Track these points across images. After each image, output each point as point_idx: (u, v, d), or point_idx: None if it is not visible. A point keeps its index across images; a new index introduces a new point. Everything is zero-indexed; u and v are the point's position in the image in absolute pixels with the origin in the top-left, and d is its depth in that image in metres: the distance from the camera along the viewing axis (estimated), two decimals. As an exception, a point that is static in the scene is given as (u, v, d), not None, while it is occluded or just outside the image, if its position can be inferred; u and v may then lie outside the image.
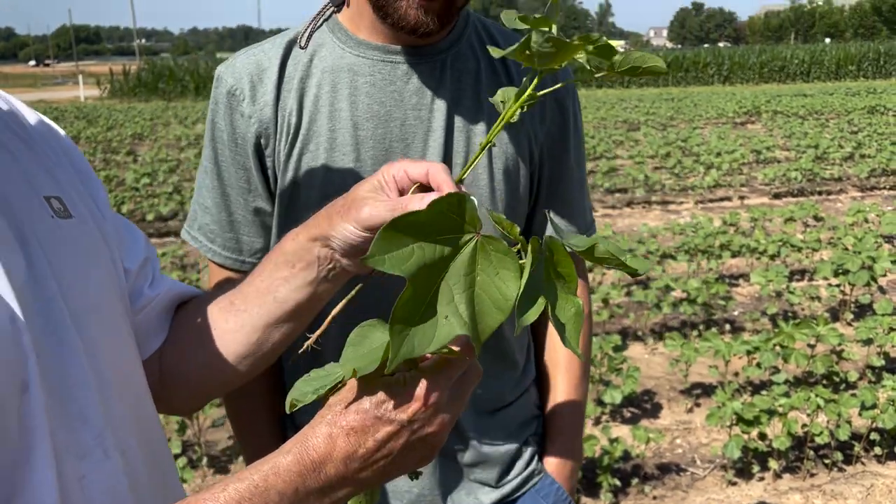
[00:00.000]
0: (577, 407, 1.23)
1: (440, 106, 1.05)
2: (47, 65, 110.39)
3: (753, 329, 4.46)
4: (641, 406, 3.70)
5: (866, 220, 6.19)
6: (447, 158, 1.06)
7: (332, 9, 1.09)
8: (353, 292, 0.71)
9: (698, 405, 3.68)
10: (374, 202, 0.70)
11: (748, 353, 3.41)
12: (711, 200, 8.27)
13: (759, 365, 3.40)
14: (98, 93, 33.71)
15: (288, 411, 0.68)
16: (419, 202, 0.67)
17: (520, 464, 1.19)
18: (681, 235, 5.87)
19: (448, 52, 1.07)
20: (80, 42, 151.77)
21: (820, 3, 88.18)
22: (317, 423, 0.64)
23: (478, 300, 0.58)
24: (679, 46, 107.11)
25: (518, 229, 0.61)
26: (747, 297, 5.13)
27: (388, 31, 1.04)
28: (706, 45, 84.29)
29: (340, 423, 0.63)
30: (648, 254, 5.37)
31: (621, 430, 3.36)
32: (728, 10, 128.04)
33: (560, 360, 1.23)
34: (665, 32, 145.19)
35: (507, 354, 1.17)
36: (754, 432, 2.98)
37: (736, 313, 4.78)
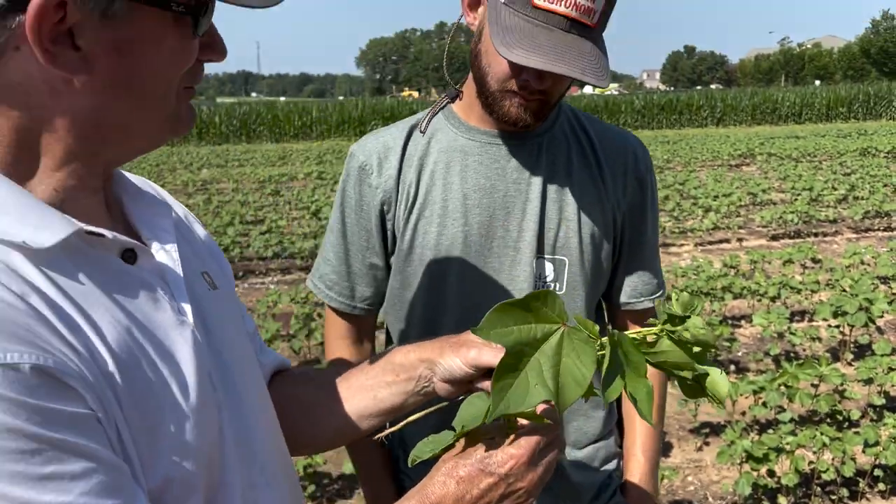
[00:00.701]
0: (653, 447, 1.38)
1: (536, 181, 1.26)
2: None
3: (757, 369, 4.61)
4: (653, 445, 3.82)
5: (862, 262, 6.39)
6: (542, 223, 1.26)
7: (447, 100, 1.32)
8: (434, 407, 0.91)
9: (707, 444, 3.81)
10: (482, 347, 0.87)
11: (754, 392, 3.56)
12: (710, 242, 8.47)
13: (765, 404, 3.55)
14: None
15: (410, 465, 0.86)
16: None
17: (605, 495, 1.37)
18: (683, 278, 6.05)
19: (544, 136, 1.28)
20: None
21: (809, 46, 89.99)
22: (433, 474, 0.81)
23: (562, 377, 0.74)
24: (672, 88, 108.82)
25: (597, 328, 0.78)
26: (750, 338, 5.29)
27: (494, 120, 1.25)
28: (699, 88, 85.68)
29: (452, 473, 0.80)
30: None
31: (635, 469, 3.49)
32: (719, 54, 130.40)
33: None
34: (658, 75, 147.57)
35: (596, 400, 1.34)
36: (763, 469, 3.11)
37: (740, 354, 4.93)
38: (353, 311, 1.36)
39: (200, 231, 0.93)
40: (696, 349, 0.80)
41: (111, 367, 0.62)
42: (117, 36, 0.62)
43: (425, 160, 1.27)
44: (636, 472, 1.37)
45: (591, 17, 1.09)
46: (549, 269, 1.27)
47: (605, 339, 0.78)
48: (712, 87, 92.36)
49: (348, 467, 3.30)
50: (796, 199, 10.09)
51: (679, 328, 0.79)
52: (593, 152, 1.30)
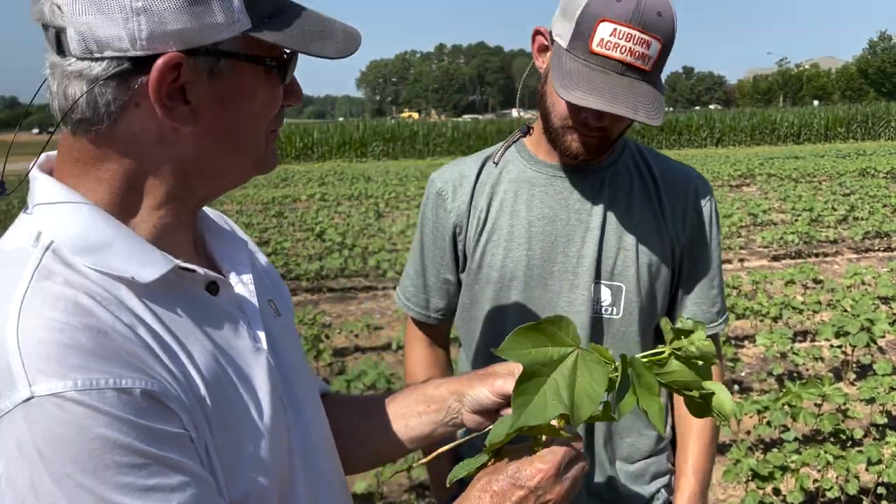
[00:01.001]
0: (704, 468, 1.43)
1: (598, 212, 1.35)
2: (50, 132, 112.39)
3: (761, 389, 4.66)
4: (659, 464, 3.87)
5: (863, 282, 6.46)
6: (600, 251, 1.34)
7: (520, 135, 1.43)
8: (465, 438, 1.00)
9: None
10: (507, 378, 0.96)
11: (758, 412, 3.61)
12: (712, 263, 8.53)
13: (769, 423, 3.60)
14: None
15: (447, 485, 0.94)
16: None
17: None
18: (686, 299, 6.10)
19: (607, 170, 1.38)
20: None
21: (806, 66, 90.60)
22: (470, 489, 0.88)
23: (576, 394, 0.82)
24: (671, 109, 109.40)
25: (609, 352, 0.85)
26: (753, 358, 5.34)
27: (558, 154, 1.35)
28: (697, 108, 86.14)
29: (486, 488, 0.87)
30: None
31: (642, 488, 3.53)
32: (717, 74, 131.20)
33: (693, 427, 1.43)
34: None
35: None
36: (769, 488, 3.16)
37: (743, 374, 4.98)
38: (427, 321, 1.51)
39: (262, 259, 1.01)
40: (701, 364, 0.88)
41: (202, 391, 0.70)
42: (221, 90, 0.72)
43: (496, 189, 1.39)
44: (685, 490, 1.41)
45: (646, 63, 1.18)
46: (606, 294, 1.35)
47: (618, 362, 0.85)
48: (711, 107, 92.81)
49: (359, 487, 3.35)
50: (797, 220, 10.17)
51: (684, 342, 0.86)
52: (655, 187, 1.38)
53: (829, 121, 36.08)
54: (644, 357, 0.88)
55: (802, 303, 5.69)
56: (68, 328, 0.62)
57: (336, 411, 1.07)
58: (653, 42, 1.17)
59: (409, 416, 1.04)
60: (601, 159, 1.36)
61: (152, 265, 0.71)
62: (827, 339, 4.84)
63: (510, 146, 1.43)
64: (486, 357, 1.39)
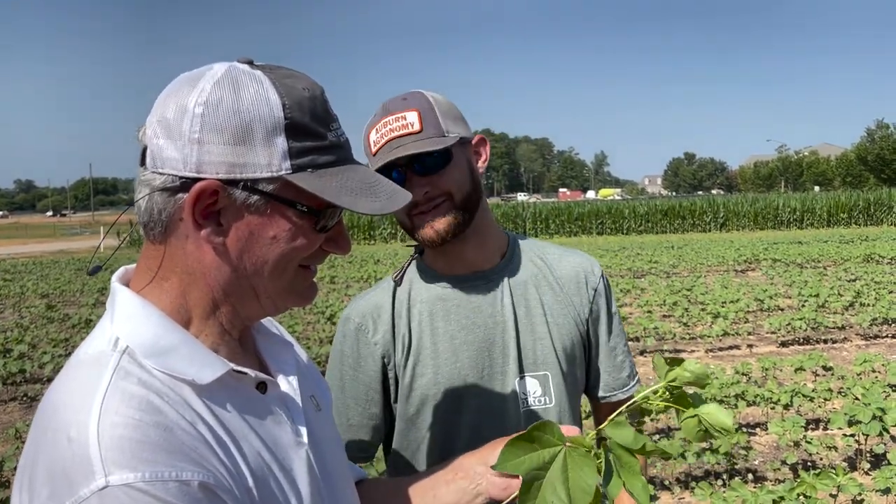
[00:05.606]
0: None
1: (508, 311, 1.45)
2: (64, 215, 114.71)
3: (775, 478, 4.63)
4: (675, 556, 3.82)
5: (873, 370, 6.47)
6: (519, 347, 1.44)
7: (416, 254, 1.52)
8: None
9: (730, 555, 3.80)
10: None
11: (774, 502, 3.60)
12: (721, 349, 8.54)
13: (785, 514, 3.58)
14: (116, 243, 34.66)
15: None
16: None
17: None
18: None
19: (504, 270, 1.48)
20: (97, 193, 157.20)
21: (805, 153, 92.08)
22: None
23: (572, 490, 0.91)
24: (673, 193, 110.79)
25: (590, 441, 0.95)
26: (766, 446, 5.31)
27: (456, 264, 1.45)
28: (700, 193, 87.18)
29: None
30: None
31: (658, 581, 3.49)
32: (719, 160, 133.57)
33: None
34: (659, 180, 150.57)
35: None
36: (787, 581, 3.13)
37: (756, 462, 4.95)
38: (352, 461, 1.48)
39: (304, 357, 1.10)
40: (693, 392, 0.98)
41: (250, 482, 0.80)
42: (251, 221, 0.83)
43: (411, 311, 1.46)
44: None
45: (411, 128, 1.33)
46: (534, 385, 1.43)
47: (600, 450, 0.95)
48: (713, 192, 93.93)
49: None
50: (804, 306, 10.21)
51: (678, 371, 0.96)
52: (552, 275, 1.50)
53: (831, 206, 36.46)
54: (646, 393, 0.98)
55: (813, 390, 5.69)
56: (141, 425, 0.73)
57: (369, 494, 1.15)
58: (407, 114, 1.33)
59: (437, 486, 1.11)
60: (496, 261, 1.46)
61: (210, 368, 0.82)
62: (839, 428, 4.84)
63: (407, 267, 1.50)
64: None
